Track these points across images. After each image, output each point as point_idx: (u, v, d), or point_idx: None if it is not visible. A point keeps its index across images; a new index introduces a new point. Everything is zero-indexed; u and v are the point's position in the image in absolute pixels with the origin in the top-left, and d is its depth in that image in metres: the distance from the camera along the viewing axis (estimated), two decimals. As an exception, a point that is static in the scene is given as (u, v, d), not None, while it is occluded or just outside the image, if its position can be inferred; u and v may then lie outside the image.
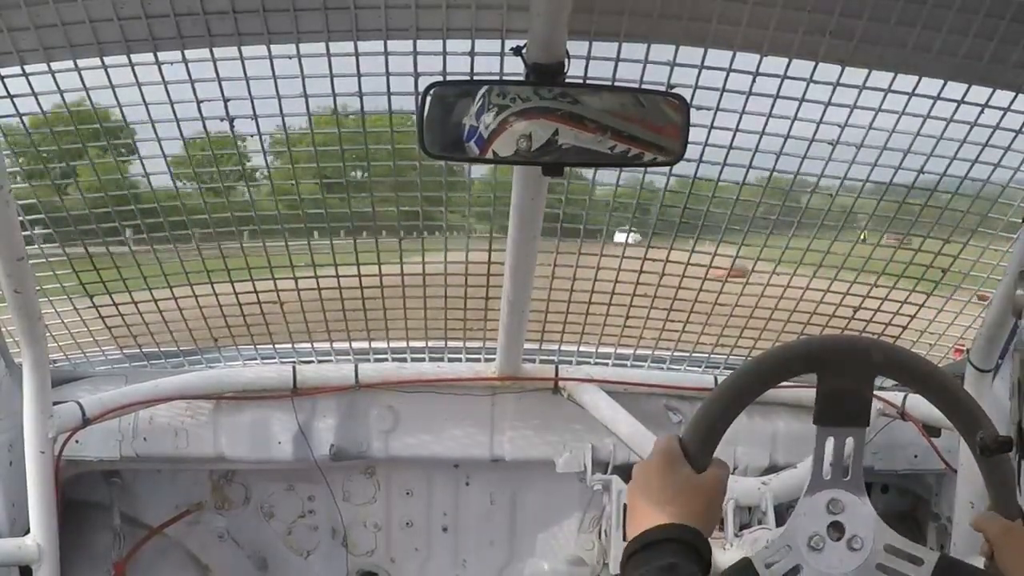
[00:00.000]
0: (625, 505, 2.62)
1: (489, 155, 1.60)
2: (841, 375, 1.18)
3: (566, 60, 1.62)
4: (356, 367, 2.69)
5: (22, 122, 2.03)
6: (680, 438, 1.17)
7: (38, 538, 2.24)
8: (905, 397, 2.63)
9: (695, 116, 1.90)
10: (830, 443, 1.19)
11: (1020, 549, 1.20)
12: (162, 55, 1.87)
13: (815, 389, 1.19)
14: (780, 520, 2.42)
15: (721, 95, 2.00)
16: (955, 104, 2.00)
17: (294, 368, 2.68)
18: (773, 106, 2.03)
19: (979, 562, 1.28)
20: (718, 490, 1.15)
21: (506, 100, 1.58)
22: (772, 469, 2.69)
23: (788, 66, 1.93)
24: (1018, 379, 1.37)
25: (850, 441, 1.19)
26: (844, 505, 1.20)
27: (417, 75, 1.92)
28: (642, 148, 1.64)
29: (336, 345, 2.73)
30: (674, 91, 1.87)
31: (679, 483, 1.12)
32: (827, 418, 1.20)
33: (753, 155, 2.16)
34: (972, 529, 1.34)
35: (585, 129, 1.59)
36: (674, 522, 1.08)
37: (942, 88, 1.96)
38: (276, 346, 2.75)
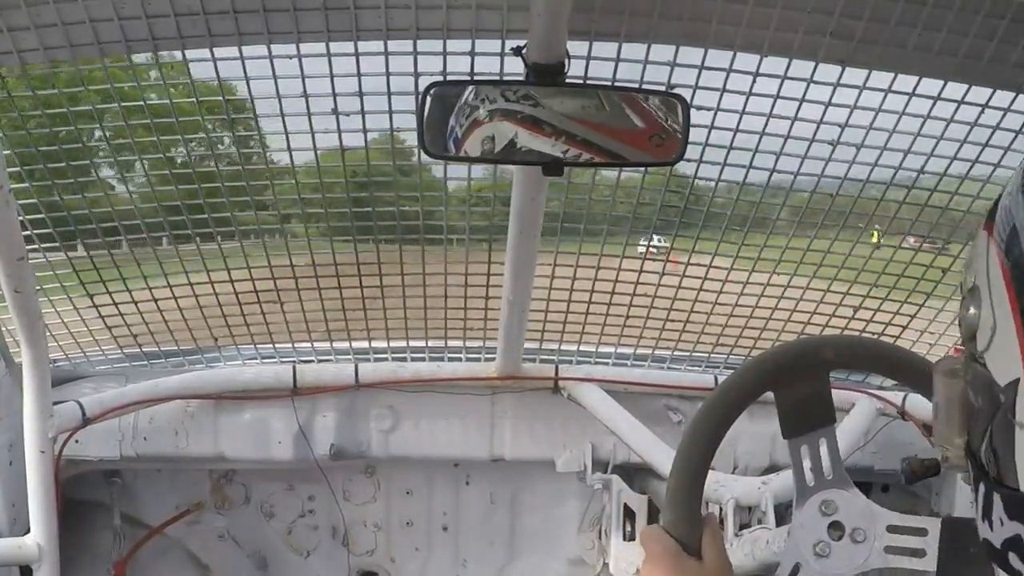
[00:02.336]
0: (625, 505, 2.65)
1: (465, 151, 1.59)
2: (796, 384, 1.17)
3: (566, 60, 1.62)
4: (356, 367, 2.69)
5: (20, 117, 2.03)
6: (663, 526, 1.13)
7: (38, 538, 2.24)
8: (905, 397, 2.63)
9: (695, 116, 1.90)
10: (805, 451, 1.18)
11: None
12: (161, 55, 1.88)
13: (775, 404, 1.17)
14: (780, 520, 2.42)
15: (721, 95, 2.00)
16: (955, 104, 2.00)
17: (294, 368, 2.68)
18: (773, 106, 2.03)
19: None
20: (724, 571, 1.11)
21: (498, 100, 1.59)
22: (772, 469, 2.68)
23: (788, 66, 1.93)
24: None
25: (823, 441, 1.19)
26: (836, 503, 1.21)
27: (417, 75, 1.92)
28: (642, 148, 1.64)
29: (336, 345, 2.72)
30: (674, 91, 1.87)
31: None
32: (795, 430, 1.19)
33: (753, 155, 2.15)
34: None
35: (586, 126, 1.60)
36: None
37: (942, 88, 1.96)
38: (276, 346, 2.75)
